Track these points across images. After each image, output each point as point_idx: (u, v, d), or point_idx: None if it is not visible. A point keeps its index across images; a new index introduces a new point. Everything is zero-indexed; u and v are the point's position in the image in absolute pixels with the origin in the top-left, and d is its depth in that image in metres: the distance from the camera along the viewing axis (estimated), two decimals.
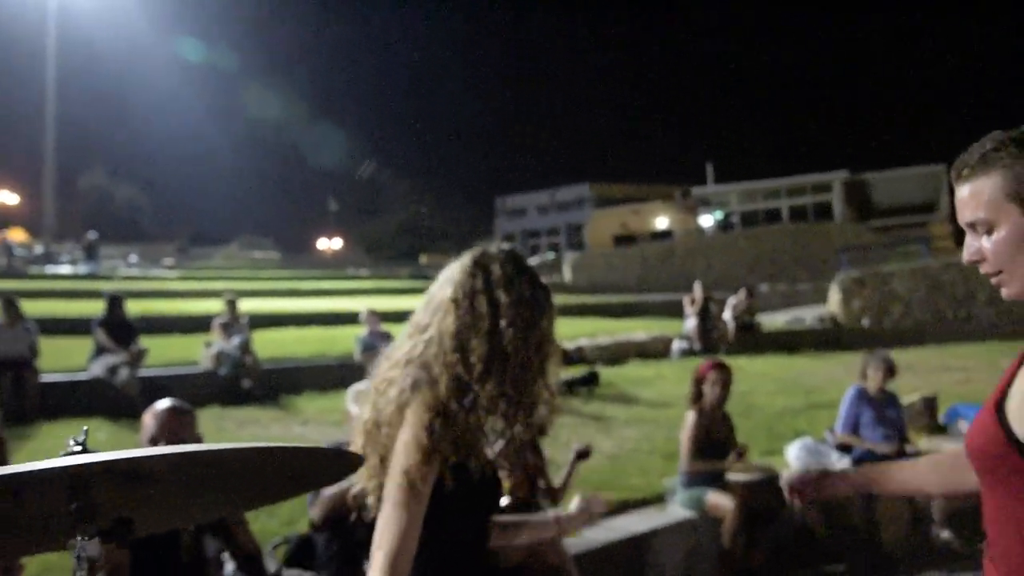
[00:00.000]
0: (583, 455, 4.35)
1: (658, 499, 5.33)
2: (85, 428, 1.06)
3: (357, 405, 3.69)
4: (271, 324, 13.26)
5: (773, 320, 18.43)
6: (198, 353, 9.72)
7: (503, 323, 1.73)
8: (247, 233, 59.33)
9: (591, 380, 9.77)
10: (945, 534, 5.54)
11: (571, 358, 11.53)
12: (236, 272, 28.27)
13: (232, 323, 10.05)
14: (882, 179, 45.42)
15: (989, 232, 1.41)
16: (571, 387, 9.59)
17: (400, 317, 14.12)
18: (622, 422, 8.07)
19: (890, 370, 5.99)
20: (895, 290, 20.13)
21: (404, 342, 1.86)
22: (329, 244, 57.49)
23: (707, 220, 48.67)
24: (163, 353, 9.89)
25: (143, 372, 8.71)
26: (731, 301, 15.13)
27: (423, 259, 52.16)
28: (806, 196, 48.03)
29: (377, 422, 1.78)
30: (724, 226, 47.41)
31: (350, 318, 14.26)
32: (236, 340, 9.35)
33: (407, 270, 35.13)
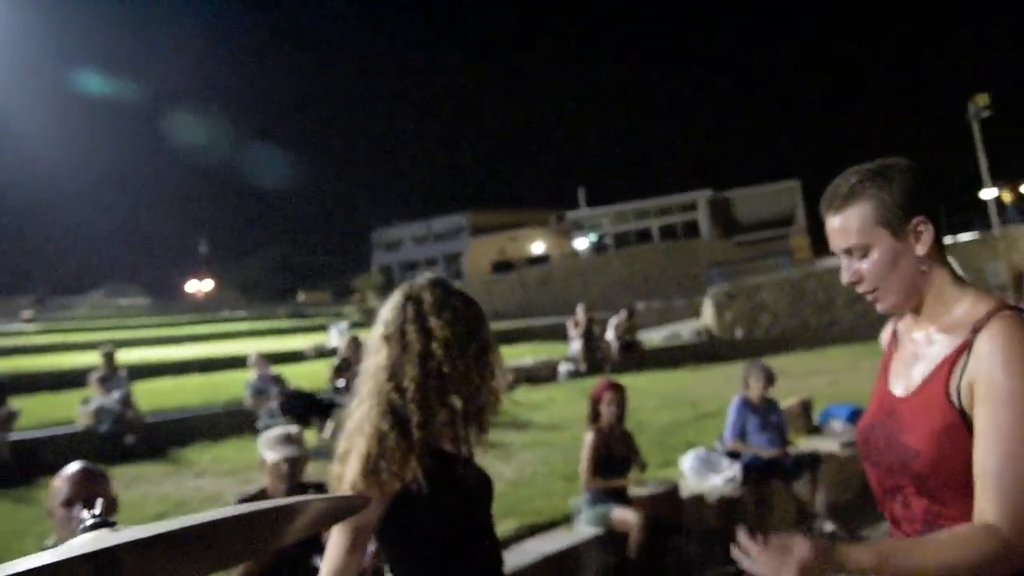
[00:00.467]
0: None
1: (565, 520, 5.46)
2: (100, 499, 1.06)
3: (273, 452, 3.66)
4: (147, 375, 12.72)
5: (651, 337, 19.03)
6: (72, 411, 9.23)
7: (435, 345, 1.85)
8: (113, 280, 56.56)
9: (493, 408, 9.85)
10: (828, 526, 5.90)
11: None
12: (102, 322, 26.96)
13: (110, 376, 9.62)
14: (743, 196, 47.72)
15: (864, 255, 1.59)
16: None
17: (283, 358, 13.83)
18: (519, 447, 8.18)
19: (769, 378, 6.36)
20: (763, 301, 21.19)
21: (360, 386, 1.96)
22: (199, 286, 55.59)
23: (582, 243, 49.77)
24: (33, 413, 9.36)
25: (13, 435, 8.23)
26: (612, 321, 15.57)
27: (301, 297, 51.15)
28: (674, 215, 49.80)
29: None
30: (598, 248, 48.60)
31: (231, 363, 13.88)
32: (116, 394, 8.96)
33: (285, 309, 34.34)
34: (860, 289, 1.63)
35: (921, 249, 1.56)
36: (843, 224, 1.60)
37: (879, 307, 1.64)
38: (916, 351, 1.64)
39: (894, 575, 1.41)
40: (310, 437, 7.46)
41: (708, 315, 21.00)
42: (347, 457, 1.86)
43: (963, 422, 1.48)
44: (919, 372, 1.60)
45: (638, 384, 12.23)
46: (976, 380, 1.47)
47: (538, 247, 52.47)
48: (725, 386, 10.10)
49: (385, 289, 56.56)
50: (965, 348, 1.50)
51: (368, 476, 1.79)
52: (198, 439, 8.90)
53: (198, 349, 17.30)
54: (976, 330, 1.50)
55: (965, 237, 25.74)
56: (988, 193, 26.35)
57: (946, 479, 1.50)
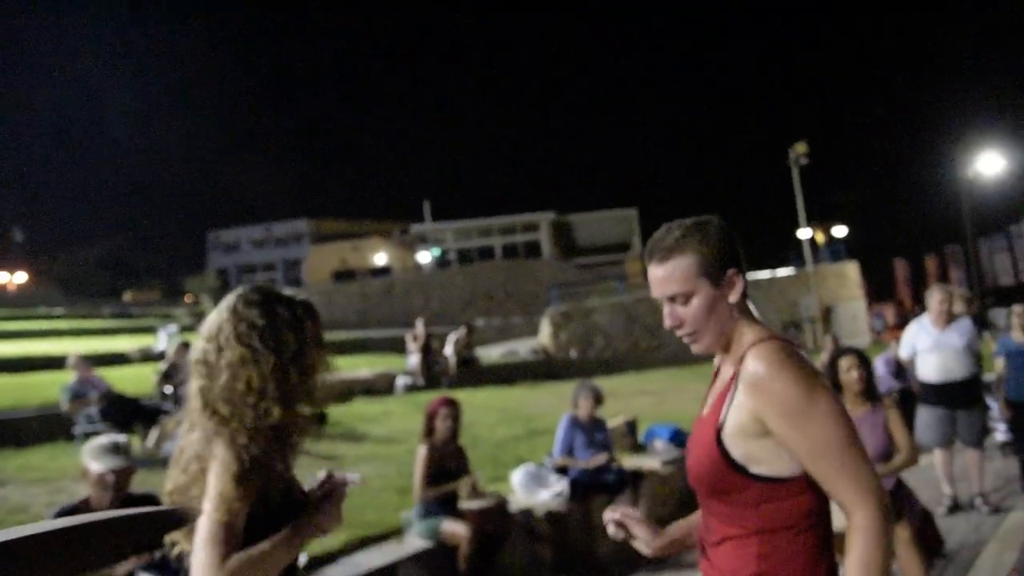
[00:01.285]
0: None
1: (396, 532, 5.52)
2: None
3: (98, 462, 3.53)
4: None
5: (490, 353, 19.31)
6: None
7: (259, 351, 1.86)
8: None
9: (320, 419, 9.73)
10: None
11: None
12: None
13: None
14: (584, 220, 49.22)
15: (687, 302, 1.79)
16: None
17: (106, 360, 13.10)
18: (353, 460, 8.15)
19: (597, 398, 6.68)
20: (598, 323, 21.96)
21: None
22: (11, 278, 51.55)
23: (425, 257, 49.80)
24: None
25: None
26: (451, 337, 15.72)
27: (128, 296, 48.39)
28: (517, 235, 50.71)
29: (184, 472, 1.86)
30: (441, 263, 48.78)
31: (47, 363, 13.03)
32: None
33: (110, 308, 32.37)
34: (680, 332, 1.83)
35: (733, 297, 1.79)
36: (668, 274, 1.79)
37: (695, 348, 1.84)
38: (716, 382, 1.88)
39: None
40: (134, 444, 7.15)
41: (545, 334, 21.55)
42: (199, 475, 1.82)
43: (718, 441, 1.71)
44: (710, 400, 1.84)
45: (475, 399, 12.43)
46: (760, 409, 1.66)
47: (381, 258, 52.10)
48: (558, 404, 10.44)
49: (220, 292, 54.41)
50: (735, 378, 1.72)
51: (241, 478, 1.77)
52: (3, 445, 8.31)
53: (8, 347, 16.08)
54: (742, 360, 1.71)
55: (782, 273, 27.69)
56: (804, 233, 28.46)
57: (708, 488, 1.75)
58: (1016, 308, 7.06)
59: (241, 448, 1.80)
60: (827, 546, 1.70)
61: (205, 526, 1.73)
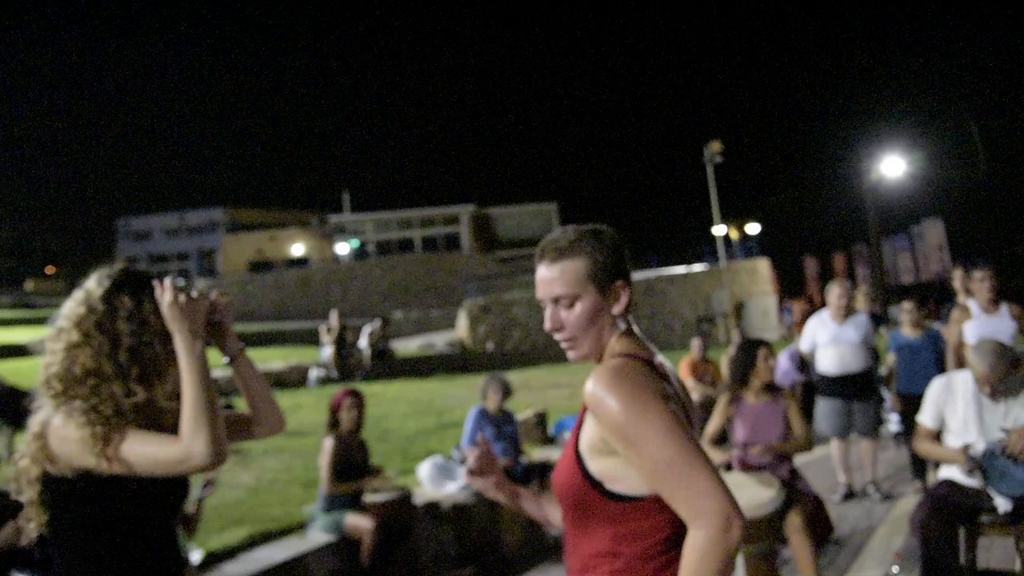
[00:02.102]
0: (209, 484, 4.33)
1: (299, 527, 5.44)
2: None
3: None
4: None
5: (407, 345, 19.22)
6: None
7: (92, 337, 1.88)
8: None
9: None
10: (554, 531, 6.30)
11: None
12: None
13: None
14: (504, 213, 49.33)
15: (570, 305, 1.76)
16: None
17: (2, 352, 12.61)
18: (260, 453, 8.00)
19: (506, 391, 6.70)
20: (516, 316, 22.03)
21: None
22: None
23: (343, 248, 49.19)
24: None
25: None
26: (366, 329, 15.58)
27: (30, 286, 46.44)
28: (437, 227, 50.51)
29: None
30: (360, 254, 48.25)
31: None
32: None
33: (9, 298, 31.05)
34: (559, 336, 1.80)
35: (617, 308, 1.77)
36: (556, 275, 1.77)
37: (571, 354, 1.82)
38: None
39: None
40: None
41: (462, 327, 21.53)
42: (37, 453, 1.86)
43: (576, 456, 1.70)
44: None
45: (388, 392, 12.36)
46: (605, 432, 1.62)
47: (298, 249, 51.25)
48: (471, 397, 10.45)
49: None
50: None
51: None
52: None
53: None
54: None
55: (697, 268, 28.26)
56: (719, 230, 29.11)
57: (569, 503, 1.74)
58: (905, 305, 7.36)
59: (84, 419, 1.82)
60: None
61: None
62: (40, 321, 20.73)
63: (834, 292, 6.99)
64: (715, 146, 27.73)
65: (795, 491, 4.52)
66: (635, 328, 1.84)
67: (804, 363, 8.82)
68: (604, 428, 1.62)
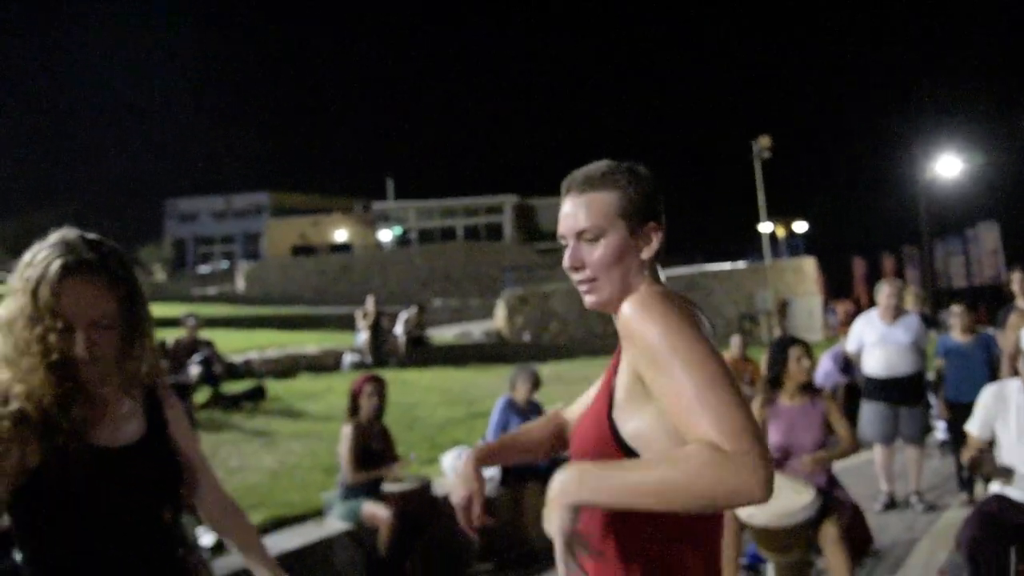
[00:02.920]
0: None
1: (316, 513, 5.32)
2: None
3: None
4: None
5: (444, 334, 19.12)
6: None
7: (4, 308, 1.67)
8: None
9: (257, 394, 9.51)
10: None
11: (237, 371, 11.13)
12: None
13: None
14: (547, 204, 49.08)
15: (595, 240, 1.58)
16: (236, 401, 9.27)
17: None
18: (287, 436, 7.93)
19: (535, 383, 6.52)
20: (554, 308, 21.83)
21: None
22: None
23: (386, 235, 49.36)
24: None
25: None
26: (402, 316, 15.49)
27: None
28: (480, 216, 50.46)
29: None
30: (402, 241, 48.39)
31: None
32: None
33: None
34: (577, 276, 1.61)
35: (647, 253, 1.59)
36: (584, 206, 1.59)
37: (589, 299, 1.61)
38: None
39: (608, 500, 1.32)
40: None
41: (500, 317, 21.39)
42: None
43: (608, 416, 1.50)
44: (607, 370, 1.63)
45: (422, 380, 12.24)
46: (635, 360, 1.44)
47: (341, 235, 51.54)
48: (504, 387, 10.24)
49: (176, 263, 53.53)
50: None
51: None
52: None
53: None
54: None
55: (741, 265, 27.76)
56: (765, 227, 28.54)
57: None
58: (954, 308, 7.03)
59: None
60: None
61: None
62: None
63: (884, 291, 6.68)
64: (764, 141, 27.11)
65: (832, 499, 4.27)
66: (663, 280, 1.64)
67: (848, 364, 8.51)
68: (637, 353, 1.43)
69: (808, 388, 4.53)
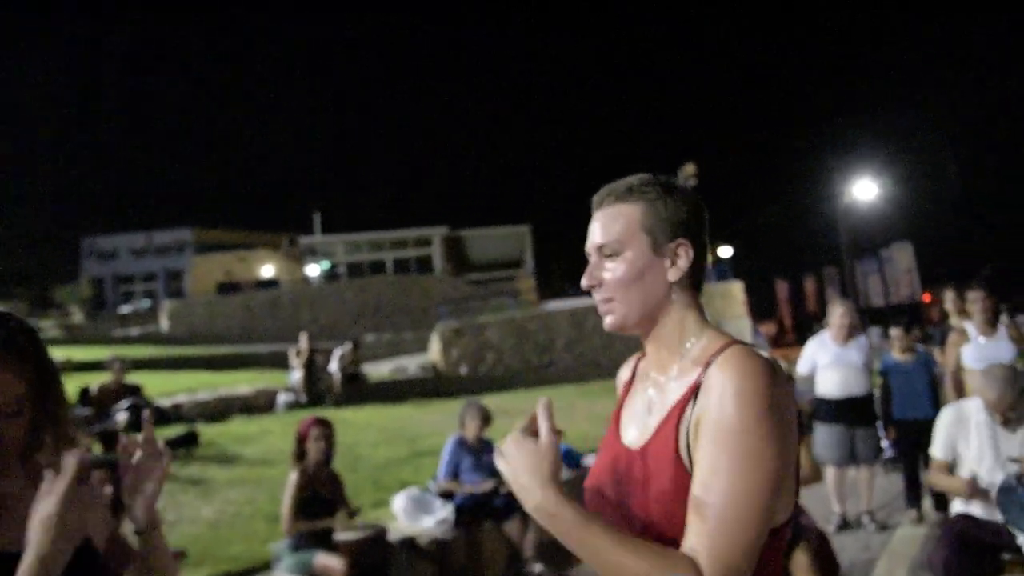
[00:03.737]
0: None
1: (264, 566, 5.05)
2: None
3: None
4: None
5: (379, 369, 18.79)
6: None
7: None
8: None
9: (190, 440, 9.09)
10: (538, 567, 5.94)
11: (167, 416, 10.68)
12: None
13: None
14: (476, 236, 49.09)
15: (614, 256, 1.46)
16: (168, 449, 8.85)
17: None
18: (223, 484, 7.58)
19: (485, 419, 6.35)
20: (489, 339, 21.69)
21: None
22: None
23: (314, 269, 48.64)
24: None
25: None
26: (337, 352, 15.15)
27: None
28: (409, 249, 50.15)
29: None
30: (330, 276, 47.72)
31: None
32: None
33: None
34: (596, 295, 1.49)
35: (674, 274, 1.45)
36: (607, 218, 1.48)
37: (608, 320, 1.49)
38: (651, 394, 1.49)
39: (568, 544, 1.29)
40: None
41: (435, 350, 21.13)
42: None
43: (690, 479, 1.32)
44: (653, 419, 1.43)
45: (359, 418, 11.93)
46: (702, 413, 1.30)
47: (268, 270, 50.58)
48: (446, 423, 10.08)
49: (95, 303, 51.71)
50: (696, 388, 1.35)
51: None
52: None
53: None
54: (708, 365, 1.35)
55: None
56: None
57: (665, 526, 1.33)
58: (893, 332, 7.19)
59: None
60: None
61: None
62: None
63: (837, 312, 6.73)
64: (689, 169, 27.70)
65: (799, 526, 4.21)
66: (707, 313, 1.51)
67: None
68: (708, 414, 1.30)
69: None
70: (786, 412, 1.30)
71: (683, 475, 1.32)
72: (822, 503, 6.91)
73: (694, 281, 1.49)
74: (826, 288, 46.62)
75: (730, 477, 1.24)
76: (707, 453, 1.28)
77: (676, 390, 1.41)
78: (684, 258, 1.46)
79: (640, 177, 1.51)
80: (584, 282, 1.50)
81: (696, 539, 1.24)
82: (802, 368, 6.89)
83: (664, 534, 1.32)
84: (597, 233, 1.50)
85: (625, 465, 1.44)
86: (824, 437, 6.67)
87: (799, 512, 4.37)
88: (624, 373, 1.66)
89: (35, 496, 1.41)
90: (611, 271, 1.47)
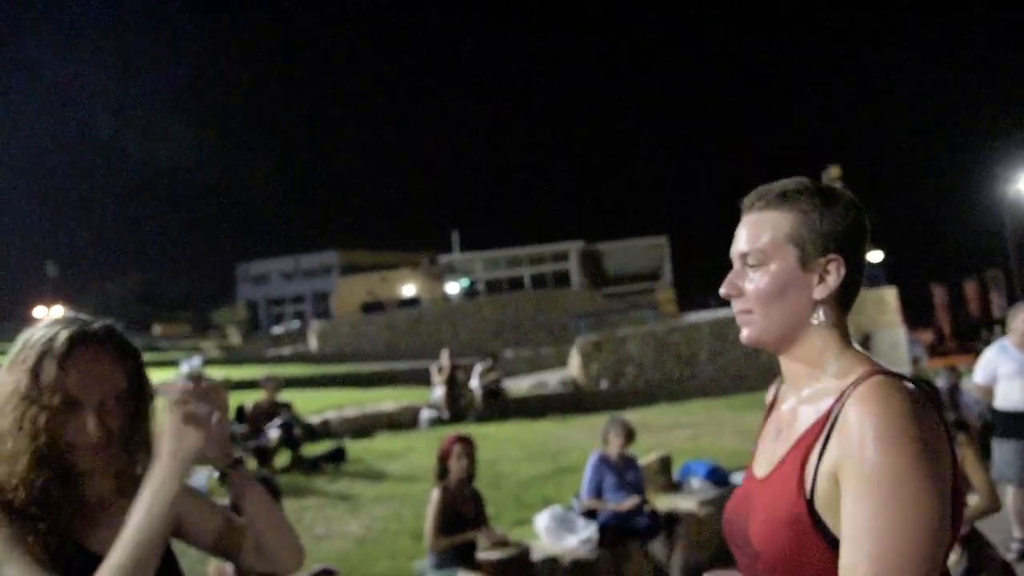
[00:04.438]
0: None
1: None
2: None
3: None
4: None
5: (518, 385, 18.84)
6: None
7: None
8: None
9: (338, 456, 9.33)
10: None
11: (316, 432, 11.02)
12: None
13: None
14: (613, 249, 48.81)
15: (758, 267, 1.36)
16: (316, 464, 9.11)
17: None
18: (370, 500, 7.71)
19: (629, 435, 6.17)
20: (629, 352, 21.39)
21: None
22: (47, 312, 52.04)
23: (453, 287, 49.59)
24: None
25: None
26: (477, 368, 15.27)
27: (157, 330, 48.63)
28: (546, 264, 50.42)
29: None
30: (470, 293, 48.53)
31: None
32: None
33: (139, 342, 32.36)
34: (735, 305, 1.40)
35: (820, 292, 1.33)
36: (754, 225, 1.38)
37: (744, 332, 1.40)
38: (782, 421, 1.39)
39: None
40: None
41: (575, 365, 21.02)
42: None
43: (811, 517, 1.22)
44: (781, 447, 1.34)
45: (501, 434, 11.95)
46: (843, 458, 1.19)
47: (409, 289, 51.97)
48: (588, 438, 9.94)
49: (250, 324, 54.64)
50: (827, 420, 1.24)
51: None
52: None
53: None
54: (843, 397, 1.24)
55: None
56: None
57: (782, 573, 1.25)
58: None
59: None
60: None
61: None
62: (165, 363, 21.53)
63: (1021, 316, 6.16)
64: (834, 171, 26.56)
65: (979, 555, 3.83)
66: (856, 344, 1.37)
67: (953, 400, 8.01)
68: (851, 461, 1.17)
69: None
70: (939, 450, 1.17)
71: (801, 507, 1.23)
72: (1001, 527, 6.34)
73: (844, 300, 1.37)
74: (990, 292, 43.63)
75: (887, 538, 1.12)
76: (857, 511, 1.16)
77: (806, 418, 1.32)
78: (834, 275, 1.34)
79: (796, 182, 1.39)
80: (723, 290, 1.41)
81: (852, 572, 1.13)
82: (979, 377, 6.32)
83: (773, 568, 1.25)
84: (742, 240, 1.40)
85: (750, 495, 1.38)
86: (1006, 454, 6.09)
87: (982, 542, 3.98)
88: (768, 396, 1.54)
89: (126, 507, 1.38)
90: (753, 282, 1.37)
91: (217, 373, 17.64)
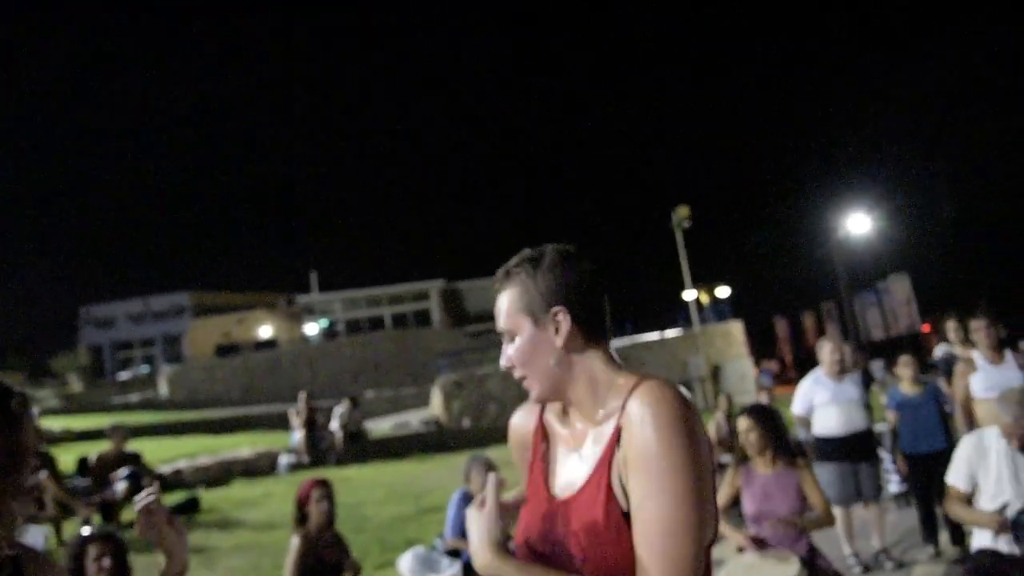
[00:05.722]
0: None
1: None
2: None
3: None
4: None
5: (380, 426, 18.64)
6: None
7: None
8: None
9: (191, 507, 8.96)
10: None
11: (168, 483, 10.52)
12: None
13: None
14: (474, 287, 49.16)
15: (511, 339, 1.56)
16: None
17: None
18: (227, 551, 7.43)
19: (491, 472, 6.24)
20: (491, 391, 21.53)
21: None
22: None
23: (312, 328, 48.55)
24: None
25: None
26: (337, 410, 15.01)
27: None
28: (407, 304, 50.15)
29: None
30: (329, 334, 47.61)
31: None
32: None
33: None
34: (515, 375, 1.59)
35: (560, 340, 1.52)
36: (499, 305, 1.60)
37: (531, 395, 1.59)
38: (578, 446, 1.54)
39: None
40: None
41: (437, 404, 20.98)
42: None
43: (625, 518, 1.39)
44: (584, 468, 1.49)
45: (363, 476, 11.78)
46: (629, 446, 1.38)
47: (266, 331, 50.46)
48: (451, 477, 9.94)
49: (93, 370, 51.48)
50: (619, 429, 1.43)
51: None
52: None
53: None
54: (626, 404, 1.42)
55: (671, 333, 28.03)
56: (689, 295, 29.01)
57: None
58: (902, 359, 7.02)
59: None
60: None
61: None
62: None
63: (826, 348, 6.65)
64: (683, 211, 27.75)
65: (817, 570, 4.10)
66: (616, 358, 1.57)
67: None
68: (632, 444, 1.38)
69: (779, 454, 4.38)
70: (701, 434, 1.39)
71: (615, 506, 1.40)
72: (831, 544, 6.76)
73: (590, 334, 1.55)
74: (825, 323, 46.51)
75: (662, 496, 1.33)
76: (639, 481, 1.36)
77: (602, 438, 1.48)
78: (564, 323, 1.52)
79: (518, 257, 1.60)
80: (502, 363, 1.61)
81: (642, 551, 1.34)
82: (798, 408, 6.75)
83: (599, 569, 1.40)
84: (498, 319, 1.61)
85: (558, 516, 1.50)
86: (827, 476, 6.51)
87: (815, 554, 4.26)
88: (527, 421, 1.70)
89: None
90: (514, 352, 1.57)
91: (57, 423, 16.53)
